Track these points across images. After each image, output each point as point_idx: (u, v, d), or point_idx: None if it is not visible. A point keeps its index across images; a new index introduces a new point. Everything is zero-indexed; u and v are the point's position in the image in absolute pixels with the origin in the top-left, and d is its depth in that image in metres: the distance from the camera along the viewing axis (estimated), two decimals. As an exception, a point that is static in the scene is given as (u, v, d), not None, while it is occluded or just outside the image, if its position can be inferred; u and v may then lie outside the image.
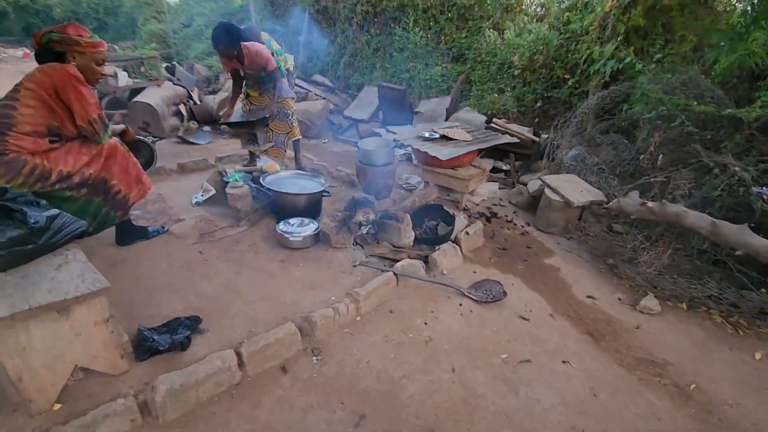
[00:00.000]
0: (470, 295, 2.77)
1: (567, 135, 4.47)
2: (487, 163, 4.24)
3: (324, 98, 7.52)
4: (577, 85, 5.53)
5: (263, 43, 3.94)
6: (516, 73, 6.20)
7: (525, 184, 4.51)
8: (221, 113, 4.28)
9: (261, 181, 3.51)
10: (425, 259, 3.05)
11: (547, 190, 3.78)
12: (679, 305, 2.80)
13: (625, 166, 3.89)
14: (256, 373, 2.07)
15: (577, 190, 3.69)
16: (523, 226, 3.93)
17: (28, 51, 16.01)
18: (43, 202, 2.03)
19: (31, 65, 2.41)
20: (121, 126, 2.98)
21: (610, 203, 3.12)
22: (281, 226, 3.16)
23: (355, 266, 2.94)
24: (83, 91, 2.33)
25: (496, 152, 5.20)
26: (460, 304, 2.71)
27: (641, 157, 3.81)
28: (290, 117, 4.28)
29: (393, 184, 3.92)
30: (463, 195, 4.08)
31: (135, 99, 6.25)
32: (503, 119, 5.55)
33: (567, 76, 5.63)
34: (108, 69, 7.09)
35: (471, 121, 5.35)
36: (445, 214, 3.52)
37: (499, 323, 2.57)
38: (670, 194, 3.13)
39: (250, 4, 9.22)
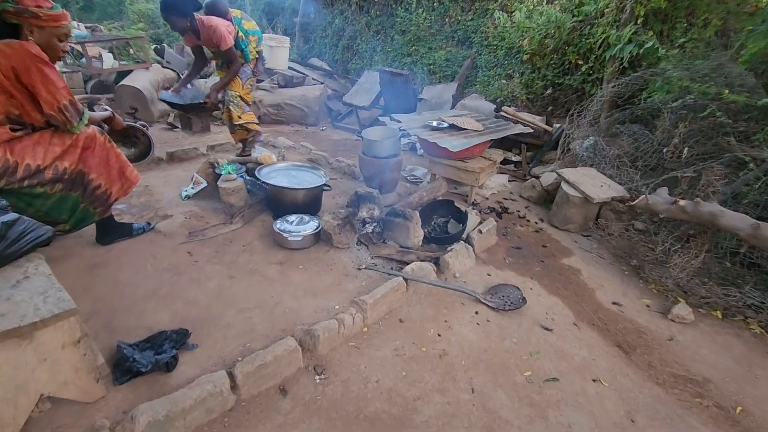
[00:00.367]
0: (486, 302, 2.54)
1: (583, 125, 4.20)
2: (498, 155, 3.97)
3: (322, 83, 7.18)
4: (590, 72, 5.24)
5: (230, 20, 3.60)
6: (525, 58, 5.88)
7: (537, 177, 4.25)
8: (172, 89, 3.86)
9: (256, 173, 3.23)
10: (436, 261, 2.80)
11: (564, 185, 3.52)
12: (713, 313, 2.58)
13: (646, 159, 3.63)
14: (252, 396, 1.83)
15: (596, 184, 3.44)
16: (536, 223, 3.68)
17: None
18: (3, 203, 1.74)
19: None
20: (106, 112, 2.66)
21: (637, 200, 2.88)
22: (279, 224, 2.89)
23: (360, 270, 2.69)
24: (49, 73, 2.02)
25: (504, 142, 4.92)
26: (476, 312, 2.47)
27: (664, 149, 3.55)
28: (233, 102, 3.81)
29: (399, 177, 3.65)
30: (472, 189, 3.82)
31: (121, 82, 5.89)
32: (513, 107, 5.26)
33: (580, 62, 5.33)
34: (93, 50, 6.70)
35: (479, 108, 5.06)
36: (456, 210, 3.26)
37: (520, 334, 2.34)
38: (702, 191, 2.88)
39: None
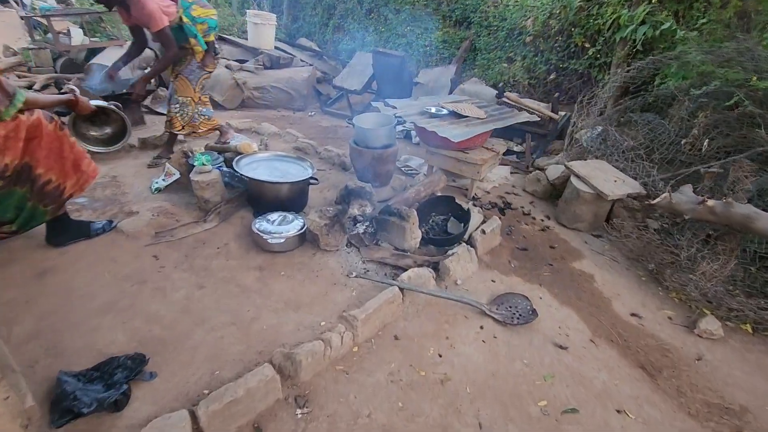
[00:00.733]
0: (492, 314, 2.25)
1: (594, 113, 3.88)
2: (501, 145, 3.65)
3: (310, 65, 6.74)
4: (597, 56, 4.90)
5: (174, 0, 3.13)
6: (527, 39, 5.51)
7: (541, 169, 3.95)
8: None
9: (234, 165, 2.87)
10: (435, 267, 2.50)
11: (573, 179, 3.22)
12: (743, 327, 2.32)
13: (662, 152, 3.34)
14: (220, 439, 1.53)
15: (609, 179, 3.15)
16: (542, 220, 3.39)
17: None
18: None
19: None
20: (63, 95, 2.26)
21: (658, 199, 2.59)
22: (258, 224, 2.56)
23: (350, 278, 2.38)
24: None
25: (505, 131, 4.58)
26: (481, 327, 2.19)
27: (682, 141, 3.25)
28: (181, 111, 3.44)
29: (393, 169, 3.32)
30: (473, 182, 3.51)
31: (92, 61, 5.42)
32: (515, 93, 4.91)
33: (587, 45, 4.98)
34: (60, 24, 6.19)
35: (480, 94, 4.71)
36: (457, 207, 2.95)
37: (531, 353, 2.06)
38: (731, 189, 2.60)
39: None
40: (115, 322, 1.95)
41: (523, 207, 3.56)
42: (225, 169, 3.16)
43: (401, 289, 2.21)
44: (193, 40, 3.24)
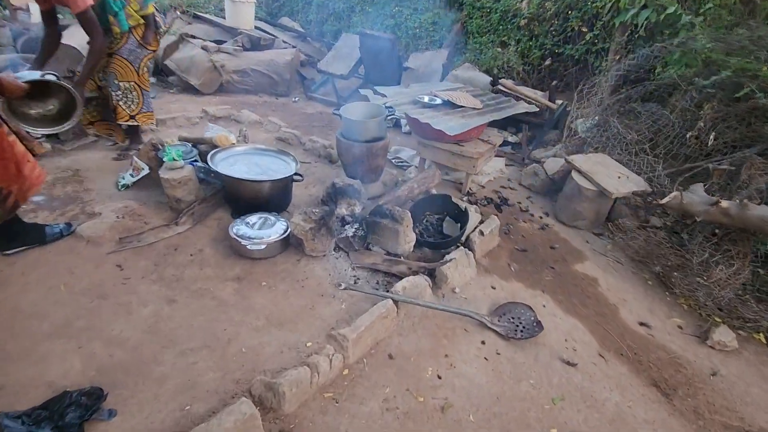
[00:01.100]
0: (494, 327, 2.07)
1: (594, 102, 3.69)
2: (497, 137, 3.44)
3: (293, 47, 6.36)
4: (595, 41, 4.70)
5: None
6: (522, 23, 5.27)
7: (538, 161, 3.76)
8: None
9: (209, 160, 2.60)
10: (431, 273, 2.30)
11: (575, 175, 3.04)
12: (756, 336, 2.20)
13: (666, 145, 3.18)
14: (190, 489, 1.32)
15: (612, 175, 2.98)
16: (541, 218, 3.22)
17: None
18: None
19: None
20: None
21: (667, 198, 2.42)
22: (236, 228, 2.31)
23: (339, 288, 2.16)
24: None
25: (499, 120, 4.37)
26: (483, 342, 2.01)
27: (688, 134, 3.09)
28: (126, 96, 3.07)
29: (384, 164, 3.08)
30: (468, 177, 3.30)
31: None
32: (509, 80, 4.68)
33: (584, 29, 4.77)
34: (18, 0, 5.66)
35: (474, 80, 4.47)
36: (453, 206, 2.74)
37: (538, 372, 1.90)
38: (743, 188, 2.45)
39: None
40: (69, 347, 1.71)
41: (520, 203, 3.38)
42: (199, 164, 2.88)
43: (395, 302, 2.01)
44: (111, 18, 2.79)
